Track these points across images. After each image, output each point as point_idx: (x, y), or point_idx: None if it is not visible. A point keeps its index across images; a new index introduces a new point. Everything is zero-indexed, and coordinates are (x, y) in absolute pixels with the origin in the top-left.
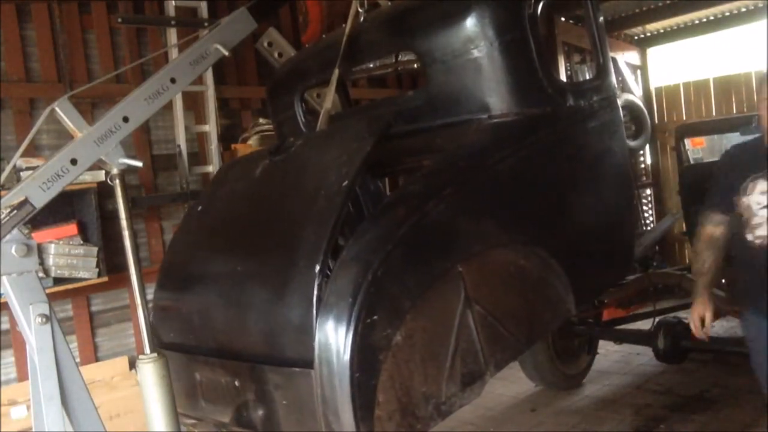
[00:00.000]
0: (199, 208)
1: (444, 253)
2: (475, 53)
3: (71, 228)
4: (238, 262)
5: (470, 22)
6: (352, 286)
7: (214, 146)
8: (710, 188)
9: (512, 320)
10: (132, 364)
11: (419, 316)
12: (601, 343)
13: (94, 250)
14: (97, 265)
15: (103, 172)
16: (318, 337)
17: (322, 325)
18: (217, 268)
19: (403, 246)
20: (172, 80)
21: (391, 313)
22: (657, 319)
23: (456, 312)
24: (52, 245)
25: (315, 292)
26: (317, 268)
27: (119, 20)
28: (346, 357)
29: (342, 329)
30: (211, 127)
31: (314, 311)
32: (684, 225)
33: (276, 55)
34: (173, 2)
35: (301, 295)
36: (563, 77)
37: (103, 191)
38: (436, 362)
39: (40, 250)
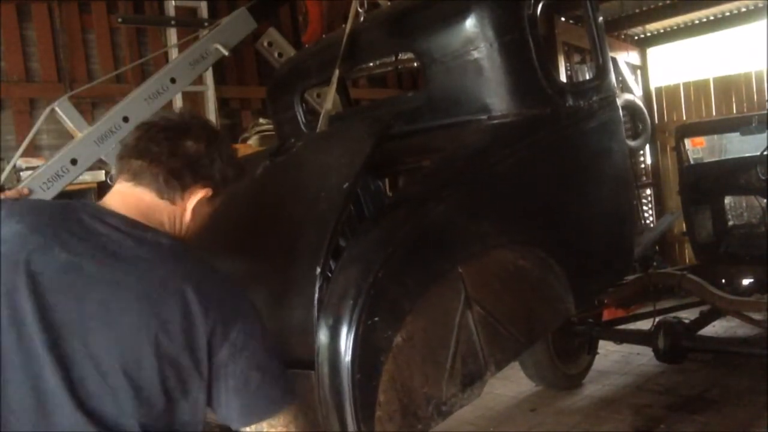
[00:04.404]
0: None
1: (444, 254)
2: (475, 54)
3: None
4: (239, 263)
5: (469, 23)
6: (353, 288)
7: None
8: None
9: (512, 320)
10: None
11: (420, 317)
12: (601, 343)
13: None
14: None
15: (103, 172)
16: (319, 338)
17: (323, 326)
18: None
19: (403, 247)
20: (172, 80)
21: (391, 315)
22: (657, 319)
23: (456, 313)
24: None
25: (316, 294)
26: (318, 269)
27: (119, 20)
28: (348, 358)
29: (343, 331)
30: None
31: (315, 313)
32: (684, 225)
33: (276, 55)
34: (173, 2)
35: (303, 297)
36: (563, 77)
37: (103, 191)
38: (436, 363)
39: None
